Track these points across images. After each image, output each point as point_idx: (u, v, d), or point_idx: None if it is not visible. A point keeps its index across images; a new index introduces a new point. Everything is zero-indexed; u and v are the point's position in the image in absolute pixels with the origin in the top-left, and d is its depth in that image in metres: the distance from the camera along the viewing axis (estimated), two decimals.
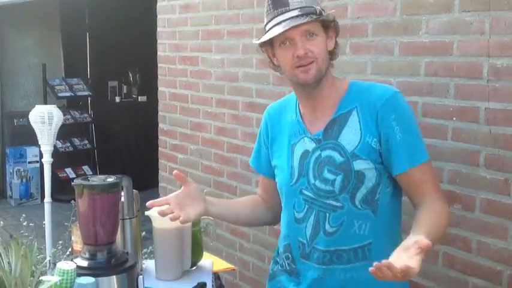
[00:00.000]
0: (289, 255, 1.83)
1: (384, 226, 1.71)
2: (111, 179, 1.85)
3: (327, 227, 1.71)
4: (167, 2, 3.69)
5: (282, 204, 1.86)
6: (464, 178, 2.05)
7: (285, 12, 1.65)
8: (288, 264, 1.85)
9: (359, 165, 1.67)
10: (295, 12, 1.64)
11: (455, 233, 2.08)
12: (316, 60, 1.66)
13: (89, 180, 1.83)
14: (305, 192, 1.75)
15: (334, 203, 1.70)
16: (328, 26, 1.70)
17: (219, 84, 3.31)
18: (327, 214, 1.71)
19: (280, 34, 1.65)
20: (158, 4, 3.79)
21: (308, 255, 1.76)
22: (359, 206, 1.68)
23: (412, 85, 2.21)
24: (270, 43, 1.72)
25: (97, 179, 1.85)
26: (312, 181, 1.73)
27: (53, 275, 1.79)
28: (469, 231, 2.04)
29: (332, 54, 1.74)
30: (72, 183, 1.83)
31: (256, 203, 2.03)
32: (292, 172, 1.78)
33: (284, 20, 1.64)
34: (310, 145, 1.75)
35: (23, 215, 3.45)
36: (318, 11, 1.65)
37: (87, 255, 1.84)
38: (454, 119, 2.07)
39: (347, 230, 1.70)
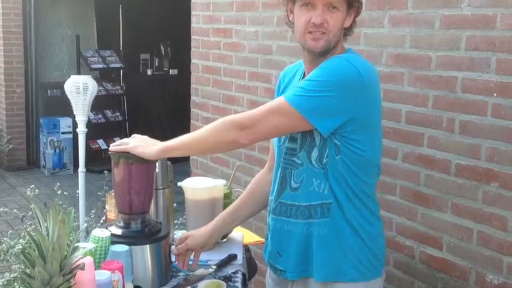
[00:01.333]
0: (269, 209, 1.93)
1: (341, 191, 1.73)
2: None
3: (292, 182, 1.79)
4: None
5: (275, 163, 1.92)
6: (503, 156, 1.99)
7: None
8: (267, 216, 1.94)
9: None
10: None
11: (491, 212, 2.04)
12: (328, 33, 1.70)
13: None
14: (284, 153, 1.82)
15: (296, 160, 1.77)
16: (352, 4, 1.73)
17: (252, 57, 3.28)
18: (292, 171, 1.79)
19: None
20: None
21: (274, 210, 1.85)
22: (315, 165, 1.74)
23: (452, 59, 2.15)
24: None
25: None
26: (287, 143, 1.81)
27: (87, 241, 1.82)
28: (506, 210, 2.00)
29: (347, 31, 1.79)
30: (109, 153, 1.84)
31: (259, 182, 2.06)
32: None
33: None
34: None
35: (57, 184, 3.51)
36: None
37: (121, 224, 1.85)
38: (495, 95, 2.01)
39: (307, 187, 1.75)
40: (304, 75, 1.83)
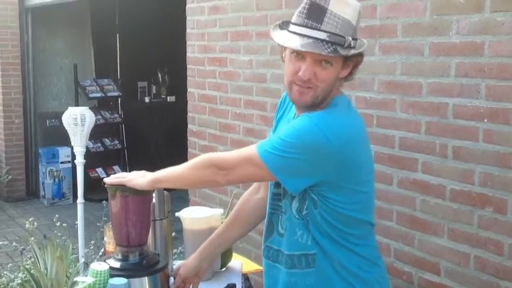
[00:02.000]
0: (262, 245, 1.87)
1: (326, 243, 1.65)
2: None
3: (279, 228, 1.75)
4: (196, 3, 3.72)
5: None
6: (496, 181, 2.02)
7: (313, 29, 1.53)
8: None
9: None
10: (323, 36, 1.52)
11: (486, 236, 2.06)
12: (315, 88, 1.59)
13: None
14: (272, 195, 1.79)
15: (281, 205, 1.73)
16: (351, 57, 1.59)
17: (247, 86, 3.32)
18: (280, 216, 1.74)
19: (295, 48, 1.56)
20: (187, 6, 3.82)
21: (263, 252, 1.82)
22: (296, 215, 1.68)
23: (442, 86, 2.19)
24: None
25: None
26: (272, 188, 1.77)
27: (85, 274, 1.83)
28: (501, 235, 2.02)
29: (346, 78, 1.67)
30: (105, 185, 1.86)
31: (245, 202, 2.02)
32: None
33: (309, 37, 1.53)
34: None
35: (56, 215, 3.53)
36: (346, 44, 1.54)
37: (119, 256, 1.86)
38: (486, 120, 2.05)
39: (291, 236, 1.69)
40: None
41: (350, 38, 1.54)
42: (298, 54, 1.58)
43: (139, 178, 1.79)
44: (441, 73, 2.19)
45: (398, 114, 2.36)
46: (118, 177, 1.84)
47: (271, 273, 1.79)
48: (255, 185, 2.02)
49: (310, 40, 1.53)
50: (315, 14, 1.53)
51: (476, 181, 2.08)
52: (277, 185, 1.73)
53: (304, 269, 1.68)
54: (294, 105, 1.77)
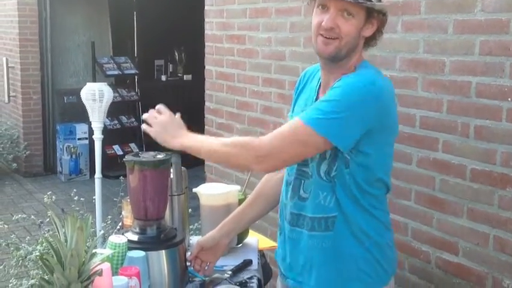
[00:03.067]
0: (280, 213, 1.91)
1: (349, 204, 1.70)
2: (161, 156, 1.87)
3: (301, 192, 1.78)
4: None
5: None
6: None
7: None
8: (280, 220, 1.92)
9: None
10: None
11: (507, 217, 2.04)
12: (340, 39, 1.65)
13: (139, 157, 1.86)
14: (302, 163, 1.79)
15: (306, 170, 1.76)
16: (373, 13, 1.66)
17: (265, 63, 3.30)
18: (302, 181, 1.77)
19: None
20: None
21: (285, 216, 1.84)
22: (323, 177, 1.71)
23: (466, 64, 2.15)
24: None
25: (147, 156, 1.88)
26: None
27: (103, 248, 1.84)
28: None
29: (369, 41, 1.73)
30: (124, 159, 1.86)
31: (267, 183, 2.04)
32: None
33: None
34: None
35: (74, 189, 3.55)
36: None
37: (137, 230, 1.87)
38: (509, 99, 2.01)
39: (314, 199, 1.74)
40: (320, 82, 1.81)
41: None
42: (324, 7, 1.66)
43: (170, 138, 1.76)
44: (465, 51, 2.15)
45: (420, 92, 2.33)
46: (150, 119, 1.82)
47: (292, 236, 1.81)
48: None
49: None
50: None
51: (498, 161, 2.05)
52: (311, 159, 1.74)
53: (323, 231, 1.73)
54: (315, 77, 1.83)
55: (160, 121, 1.81)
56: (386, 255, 1.79)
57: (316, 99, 1.78)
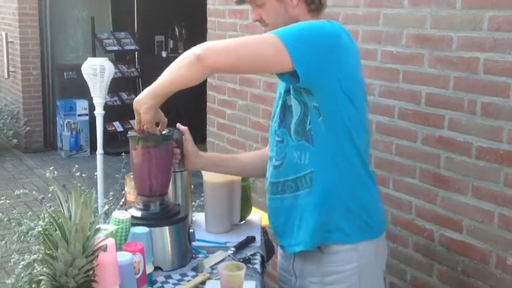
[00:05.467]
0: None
1: (324, 156, 1.72)
2: (164, 132, 1.85)
3: (274, 161, 1.82)
4: None
5: None
6: None
7: None
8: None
9: (289, 100, 1.75)
10: None
11: (511, 194, 2.03)
12: (270, 26, 1.74)
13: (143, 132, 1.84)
14: (275, 134, 1.84)
15: (277, 138, 1.80)
16: None
17: None
18: (275, 149, 1.82)
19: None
20: None
21: (267, 189, 1.88)
22: (294, 138, 1.74)
23: (474, 40, 2.11)
24: None
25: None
26: (274, 123, 1.85)
27: (106, 222, 1.83)
28: None
29: (309, 5, 1.76)
30: (128, 135, 1.84)
31: (258, 153, 2.12)
32: (274, 115, 1.90)
33: None
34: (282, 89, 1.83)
35: (76, 165, 3.53)
36: None
37: (140, 206, 1.86)
38: None
39: (290, 161, 1.77)
40: None
41: None
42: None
43: (146, 109, 1.70)
44: (473, 27, 2.11)
45: (426, 69, 2.30)
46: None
47: (275, 204, 1.85)
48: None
49: None
50: None
51: (504, 138, 2.03)
52: (276, 119, 1.82)
53: (304, 189, 1.75)
54: None
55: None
56: (373, 212, 1.79)
57: None
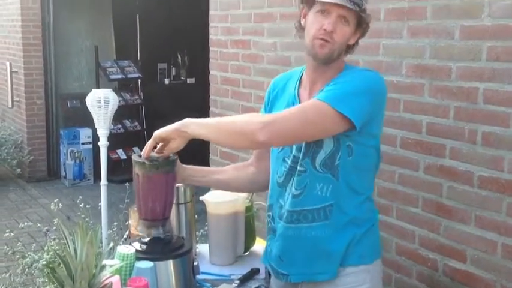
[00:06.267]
0: (271, 214, 1.95)
1: (345, 190, 1.79)
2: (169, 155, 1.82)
3: (293, 190, 1.83)
4: None
5: (270, 169, 1.96)
6: None
7: None
8: (269, 222, 1.97)
9: None
10: None
11: None
12: (333, 43, 1.76)
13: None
14: (286, 159, 1.86)
15: (299, 167, 1.81)
16: (361, 24, 1.79)
17: (271, 68, 3.29)
18: (293, 178, 1.83)
19: (327, 3, 1.73)
20: None
21: (281, 216, 1.88)
22: (319, 170, 1.78)
23: (473, 70, 2.14)
24: (311, 3, 1.79)
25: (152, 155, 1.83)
26: (294, 151, 1.83)
27: (111, 256, 1.83)
28: None
29: (348, 48, 1.84)
30: (134, 159, 1.82)
31: (240, 167, 2.13)
32: None
33: None
34: None
35: (80, 196, 3.55)
36: (363, 6, 1.76)
37: (145, 240, 1.87)
38: None
39: (311, 192, 1.80)
40: (300, 83, 1.88)
41: (365, 3, 1.78)
42: (324, 12, 1.76)
43: (181, 141, 1.76)
44: (472, 57, 2.14)
45: (427, 98, 2.32)
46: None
47: (287, 233, 1.86)
48: (250, 161, 2.10)
49: None
50: None
51: (505, 168, 2.04)
52: (298, 148, 1.82)
53: (322, 220, 1.81)
54: (288, 83, 1.93)
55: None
56: (375, 234, 1.90)
57: (299, 101, 1.85)
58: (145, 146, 1.81)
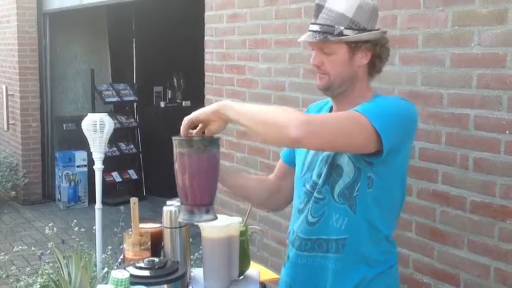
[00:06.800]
0: (287, 241, 1.92)
1: (362, 225, 1.71)
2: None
3: (309, 217, 1.79)
4: (215, 11, 3.73)
5: (294, 193, 1.92)
6: None
7: (312, 24, 1.73)
8: (287, 248, 1.93)
9: (339, 159, 1.73)
10: (315, 28, 1.71)
11: (507, 249, 2.05)
12: (328, 74, 1.74)
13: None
14: (307, 185, 1.82)
15: (317, 195, 1.77)
16: (357, 44, 1.69)
17: (265, 93, 3.33)
18: (310, 205, 1.79)
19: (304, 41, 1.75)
20: (206, 13, 3.83)
21: (293, 242, 1.85)
22: (337, 199, 1.73)
23: (463, 97, 2.18)
24: None
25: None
26: (313, 176, 1.80)
27: (105, 280, 1.84)
28: None
29: (370, 68, 1.76)
30: (178, 138, 1.73)
31: (263, 179, 2.10)
32: (304, 166, 1.86)
33: (309, 30, 1.73)
34: None
35: (74, 220, 3.54)
36: (336, 32, 1.67)
37: (140, 264, 1.87)
38: (507, 132, 2.04)
39: (326, 222, 1.76)
40: (331, 111, 1.84)
41: (341, 27, 1.68)
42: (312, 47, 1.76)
43: (204, 109, 1.67)
44: (462, 84, 2.18)
45: (419, 124, 2.33)
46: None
47: (299, 261, 1.82)
48: (273, 175, 2.06)
49: (309, 33, 1.73)
50: (316, 12, 1.73)
51: (497, 193, 2.07)
52: (319, 175, 1.77)
53: (334, 253, 1.75)
54: (321, 111, 1.90)
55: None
56: (393, 276, 1.83)
57: None
58: (182, 127, 1.71)
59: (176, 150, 1.73)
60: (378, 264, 1.75)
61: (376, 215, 1.72)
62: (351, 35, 1.67)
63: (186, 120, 1.71)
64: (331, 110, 1.86)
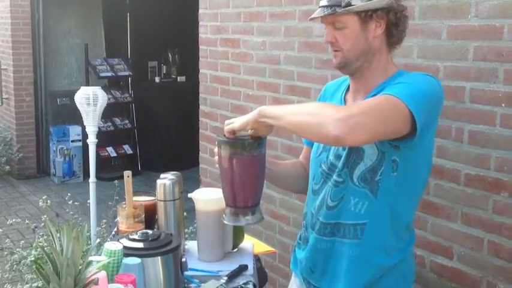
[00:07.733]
0: (304, 223, 1.88)
1: (384, 210, 1.67)
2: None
3: (329, 201, 1.75)
4: None
5: (309, 173, 1.89)
6: None
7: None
8: (303, 231, 1.90)
9: None
10: (324, 2, 1.67)
11: (501, 221, 2.05)
12: (341, 50, 1.68)
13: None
14: (323, 166, 1.78)
15: (336, 178, 1.72)
16: (368, 14, 1.63)
17: (260, 67, 3.30)
18: (330, 189, 1.74)
19: (312, 18, 1.71)
20: None
21: (314, 225, 1.81)
22: (357, 183, 1.68)
23: (459, 70, 2.16)
24: None
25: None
26: (330, 157, 1.75)
27: (99, 253, 1.84)
28: None
29: (388, 40, 1.70)
30: (224, 139, 1.71)
31: (297, 164, 2.03)
32: (319, 146, 1.82)
33: (320, 7, 1.68)
34: None
35: (68, 194, 3.54)
36: (344, 3, 1.62)
37: (133, 236, 1.87)
38: (503, 105, 2.02)
39: (345, 205, 1.71)
40: (347, 89, 1.80)
41: None
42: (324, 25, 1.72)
43: (244, 119, 1.67)
44: (459, 57, 2.16)
45: None
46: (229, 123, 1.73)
47: (320, 246, 1.78)
48: (301, 159, 2.02)
49: (319, 9, 1.68)
50: None
51: (492, 166, 2.07)
52: (338, 157, 1.72)
53: (351, 238, 1.71)
54: (338, 90, 1.85)
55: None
56: (409, 264, 1.80)
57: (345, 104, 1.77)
58: (230, 131, 1.70)
59: (226, 152, 1.70)
60: (396, 253, 1.71)
61: (400, 201, 1.67)
62: (358, 4, 1.62)
63: (230, 128, 1.70)
64: (348, 89, 1.81)
